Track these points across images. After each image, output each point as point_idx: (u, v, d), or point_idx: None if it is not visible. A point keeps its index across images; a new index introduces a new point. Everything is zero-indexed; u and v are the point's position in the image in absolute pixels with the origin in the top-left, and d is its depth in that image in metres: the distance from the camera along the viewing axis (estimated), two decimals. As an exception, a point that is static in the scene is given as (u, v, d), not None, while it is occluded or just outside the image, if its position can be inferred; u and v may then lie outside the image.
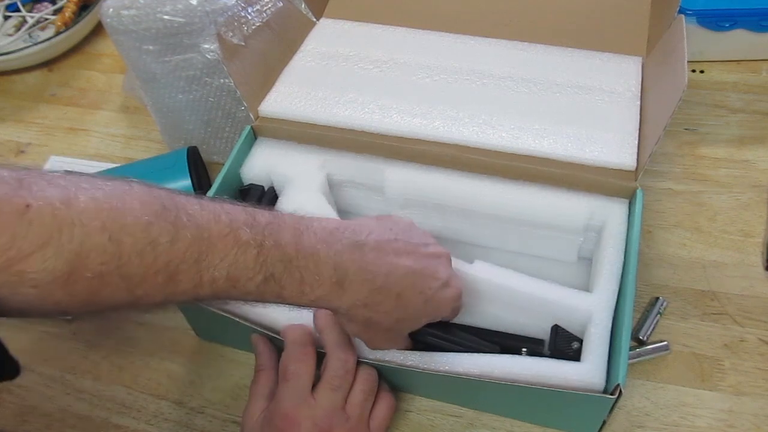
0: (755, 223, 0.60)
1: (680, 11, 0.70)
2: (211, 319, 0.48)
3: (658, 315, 0.54)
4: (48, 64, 0.84)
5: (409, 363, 0.45)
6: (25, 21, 0.87)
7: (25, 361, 0.55)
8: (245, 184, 0.57)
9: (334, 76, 0.61)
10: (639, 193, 0.50)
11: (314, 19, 0.67)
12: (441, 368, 0.45)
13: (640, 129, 0.54)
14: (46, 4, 0.89)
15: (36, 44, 0.82)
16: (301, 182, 0.55)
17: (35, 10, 0.88)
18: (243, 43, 0.55)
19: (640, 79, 0.58)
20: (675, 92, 0.46)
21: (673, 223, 0.60)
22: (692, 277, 0.56)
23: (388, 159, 0.56)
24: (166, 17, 0.55)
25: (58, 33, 0.83)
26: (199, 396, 0.52)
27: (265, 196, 0.56)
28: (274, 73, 0.61)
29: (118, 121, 0.76)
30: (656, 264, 0.58)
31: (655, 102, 0.54)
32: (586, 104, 0.56)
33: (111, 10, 0.57)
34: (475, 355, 0.45)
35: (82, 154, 0.72)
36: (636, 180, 0.50)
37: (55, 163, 0.71)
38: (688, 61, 0.74)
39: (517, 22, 0.64)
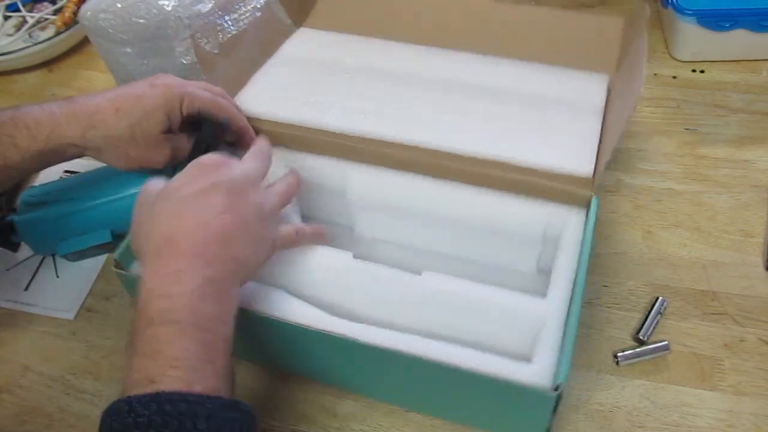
0: (755, 223, 0.60)
1: (680, 11, 0.71)
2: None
3: (659, 315, 0.54)
4: (48, 64, 0.84)
5: (341, 331, 0.44)
6: (25, 21, 0.87)
7: (25, 361, 0.56)
8: None
9: (305, 79, 0.61)
10: (594, 201, 0.50)
11: (294, 28, 0.67)
12: (375, 342, 0.43)
13: (600, 140, 0.54)
14: (46, 4, 0.89)
15: (36, 44, 0.82)
16: (267, 182, 0.55)
17: (35, 10, 0.88)
18: (217, 51, 0.56)
19: (604, 95, 0.58)
20: (630, 103, 0.47)
21: (673, 223, 0.61)
22: (692, 277, 0.57)
23: (352, 161, 0.55)
24: (141, 21, 0.56)
25: (58, 33, 0.83)
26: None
27: None
28: (247, 76, 0.61)
29: (118, 121, 0.75)
30: (656, 264, 0.58)
31: (614, 114, 0.54)
32: (549, 113, 0.56)
33: (89, 13, 0.57)
34: (419, 339, 0.44)
35: (82, 154, 0.72)
36: (593, 188, 0.50)
37: (55, 163, 0.71)
38: (688, 61, 0.75)
39: (491, 37, 0.64)
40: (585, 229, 0.49)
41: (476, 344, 0.47)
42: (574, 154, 0.52)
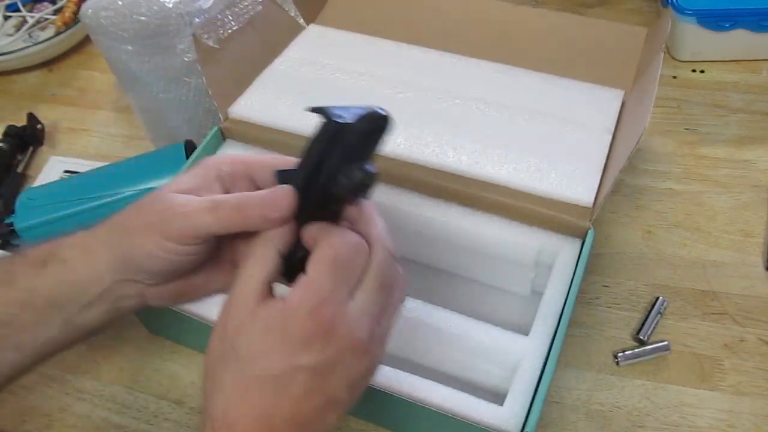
0: (755, 223, 0.60)
1: (680, 11, 0.71)
2: (163, 314, 0.48)
3: (659, 315, 0.54)
4: (48, 64, 0.84)
5: None
6: (25, 21, 0.87)
7: (25, 361, 0.56)
8: None
9: (307, 83, 0.60)
10: (590, 234, 0.48)
11: (304, 24, 0.67)
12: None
13: (605, 166, 0.52)
14: (46, 4, 0.89)
15: (36, 44, 0.82)
16: None
17: (35, 10, 0.88)
18: (218, 46, 0.55)
19: (617, 114, 0.56)
20: (636, 134, 0.45)
21: (673, 223, 0.61)
22: (692, 277, 0.57)
23: None
24: (142, 18, 0.56)
25: (58, 33, 0.83)
26: (199, 396, 0.52)
27: None
28: (251, 74, 0.60)
29: (118, 121, 0.76)
30: (656, 264, 0.58)
31: (622, 141, 0.52)
32: (556, 135, 0.54)
33: (90, 11, 0.57)
34: (387, 369, 0.43)
35: (82, 154, 0.72)
36: (591, 219, 0.49)
37: (56, 163, 0.71)
38: (688, 61, 0.75)
39: (506, 44, 0.63)
40: (577, 264, 0.48)
41: (454, 375, 0.46)
42: (576, 180, 0.50)
